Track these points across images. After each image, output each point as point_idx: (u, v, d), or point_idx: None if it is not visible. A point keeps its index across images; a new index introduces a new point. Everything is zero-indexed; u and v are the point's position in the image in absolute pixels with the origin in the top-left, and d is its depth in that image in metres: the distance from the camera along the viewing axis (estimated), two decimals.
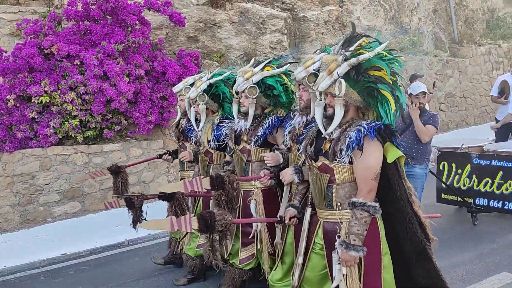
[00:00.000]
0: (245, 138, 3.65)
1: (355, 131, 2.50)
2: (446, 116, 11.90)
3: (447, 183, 5.55)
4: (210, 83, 4.01)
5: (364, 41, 2.60)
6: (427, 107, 9.21)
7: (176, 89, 4.48)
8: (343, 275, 2.56)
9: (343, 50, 2.57)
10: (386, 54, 2.57)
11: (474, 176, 5.37)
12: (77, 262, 5.25)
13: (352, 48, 2.55)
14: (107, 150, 7.01)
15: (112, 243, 5.59)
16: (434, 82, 9.88)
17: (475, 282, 4.01)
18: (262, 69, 3.56)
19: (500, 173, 5.16)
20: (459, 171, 5.50)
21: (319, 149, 2.69)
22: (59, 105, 6.58)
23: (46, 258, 5.30)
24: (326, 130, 2.63)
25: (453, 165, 5.57)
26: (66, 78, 6.68)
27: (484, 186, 5.31)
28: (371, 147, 2.51)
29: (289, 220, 2.96)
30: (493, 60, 13.33)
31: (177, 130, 4.68)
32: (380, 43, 2.57)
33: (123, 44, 6.98)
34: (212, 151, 4.09)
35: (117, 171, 4.59)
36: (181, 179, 4.51)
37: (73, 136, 6.77)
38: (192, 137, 4.32)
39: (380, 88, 2.50)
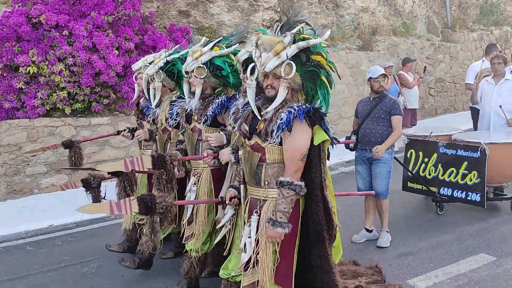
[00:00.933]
0: (196, 118, 3.66)
1: (286, 113, 2.61)
2: (435, 101, 12.01)
3: (413, 172, 5.51)
4: (166, 60, 4.02)
5: (301, 27, 2.67)
6: (416, 91, 9.31)
7: (135, 67, 4.41)
8: (254, 248, 2.68)
9: (288, 32, 2.62)
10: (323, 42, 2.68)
11: (440, 165, 5.32)
12: (64, 234, 5.30)
13: (294, 32, 2.61)
14: (95, 124, 6.97)
15: (98, 216, 5.62)
16: (425, 66, 9.95)
17: (453, 262, 4.13)
18: (211, 48, 3.54)
19: (465, 163, 5.10)
20: (426, 159, 5.45)
21: (254, 128, 2.78)
22: (47, 76, 6.49)
23: (33, 229, 5.34)
24: (261, 111, 2.73)
25: (420, 153, 5.51)
26: (55, 48, 6.58)
27: (449, 176, 5.25)
28: (300, 128, 2.61)
29: (230, 200, 3.04)
30: (484, 46, 13.38)
31: (136, 109, 4.69)
32: (314, 31, 2.68)
33: (113, 16, 6.87)
34: (170, 129, 4.12)
35: (70, 145, 4.65)
36: None
37: (61, 108, 6.71)
38: (150, 115, 4.31)
39: (321, 73, 2.65)
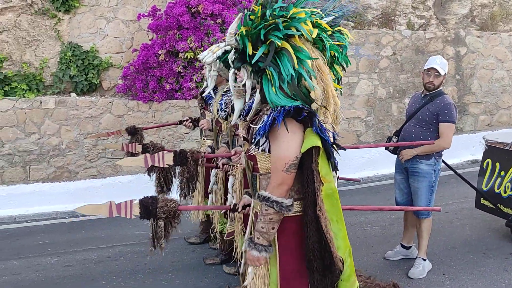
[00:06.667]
0: None
1: (268, 114, 2.17)
2: None
3: (487, 187, 4.56)
4: (225, 49, 3.71)
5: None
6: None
7: (200, 57, 4.23)
8: (251, 277, 2.32)
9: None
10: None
11: None
12: None
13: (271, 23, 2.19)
14: None
15: None
16: None
17: None
18: None
19: None
20: (502, 173, 4.44)
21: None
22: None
23: None
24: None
25: (497, 164, 4.49)
26: (209, 35, 7.15)
27: None
28: (283, 132, 2.11)
29: (243, 208, 2.70)
30: None
31: (200, 98, 4.61)
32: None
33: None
34: (221, 121, 3.96)
35: (133, 132, 4.73)
36: (201, 147, 4.51)
37: None
38: (212, 105, 4.16)
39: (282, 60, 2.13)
